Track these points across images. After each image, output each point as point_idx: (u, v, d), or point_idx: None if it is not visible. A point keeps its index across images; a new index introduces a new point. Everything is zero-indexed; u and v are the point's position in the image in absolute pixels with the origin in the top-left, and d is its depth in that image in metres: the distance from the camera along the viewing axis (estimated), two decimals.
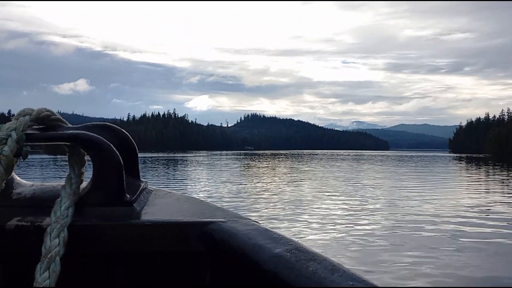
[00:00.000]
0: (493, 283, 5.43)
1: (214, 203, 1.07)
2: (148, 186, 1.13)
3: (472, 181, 21.26)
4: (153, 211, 0.97)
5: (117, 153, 0.95)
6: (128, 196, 0.96)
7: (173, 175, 24.95)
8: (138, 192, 1.01)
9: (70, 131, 0.96)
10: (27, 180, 1.07)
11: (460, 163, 47.36)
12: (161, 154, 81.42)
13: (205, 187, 17.25)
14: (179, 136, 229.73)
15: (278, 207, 11.45)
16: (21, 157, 0.89)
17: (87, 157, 1.00)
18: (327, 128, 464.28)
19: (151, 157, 63.58)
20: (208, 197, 13.32)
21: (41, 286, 0.77)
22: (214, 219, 0.93)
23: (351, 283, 0.67)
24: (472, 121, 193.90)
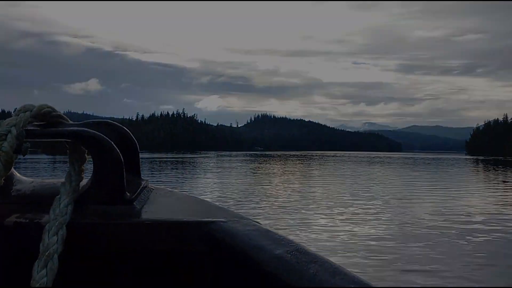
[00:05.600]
0: (497, 283, 5.62)
1: (215, 203, 1.05)
2: (149, 184, 1.11)
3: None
4: (154, 210, 0.96)
5: (118, 150, 0.94)
6: (128, 194, 0.95)
7: (174, 179, 21.65)
8: (138, 190, 0.99)
9: (71, 128, 0.95)
10: (27, 177, 1.05)
11: (486, 168, 43.28)
12: (168, 155, 78.63)
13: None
14: (188, 136, 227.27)
15: (287, 212, 11.02)
16: (21, 153, 0.88)
17: (87, 155, 0.98)
18: (338, 129, 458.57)
19: (156, 158, 60.40)
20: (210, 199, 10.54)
21: (38, 283, 0.76)
22: (215, 219, 0.91)
23: (352, 286, 0.65)
24: (490, 123, 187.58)
